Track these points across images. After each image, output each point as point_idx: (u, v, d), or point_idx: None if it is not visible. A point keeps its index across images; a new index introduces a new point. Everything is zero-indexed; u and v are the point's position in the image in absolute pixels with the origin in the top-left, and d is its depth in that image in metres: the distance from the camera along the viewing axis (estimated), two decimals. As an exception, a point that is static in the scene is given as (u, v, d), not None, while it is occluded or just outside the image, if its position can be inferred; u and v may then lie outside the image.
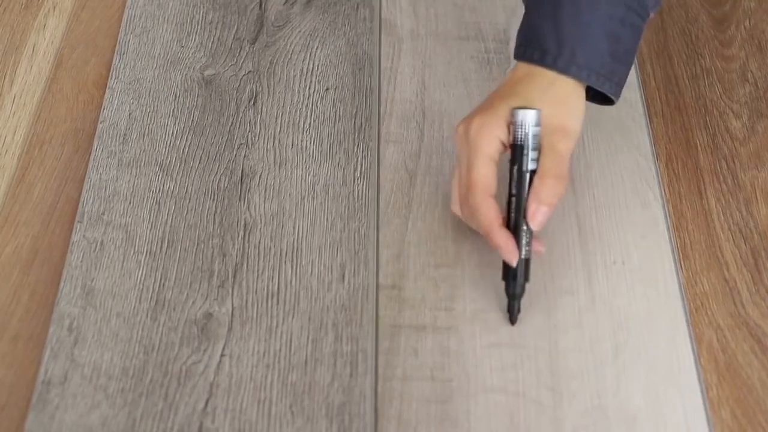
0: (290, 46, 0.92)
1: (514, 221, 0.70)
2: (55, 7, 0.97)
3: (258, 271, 0.75)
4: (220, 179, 0.81)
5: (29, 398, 0.68)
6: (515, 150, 0.69)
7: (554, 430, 0.67)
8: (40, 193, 0.81)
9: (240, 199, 0.79)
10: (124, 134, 0.84)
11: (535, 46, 0.71)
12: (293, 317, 0.72)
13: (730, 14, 0.96)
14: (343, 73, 0.89)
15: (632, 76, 0.89)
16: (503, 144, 0.70)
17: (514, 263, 0.70)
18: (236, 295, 0.73)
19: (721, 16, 0.96)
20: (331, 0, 0.95)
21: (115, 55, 0.91)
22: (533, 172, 0.69)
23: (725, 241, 0.78)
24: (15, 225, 0.79)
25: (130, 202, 0.79)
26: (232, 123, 0.85)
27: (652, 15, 0.72)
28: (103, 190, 0.80)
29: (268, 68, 0.89)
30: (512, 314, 0.72)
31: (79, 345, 0.70)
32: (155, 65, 0.90)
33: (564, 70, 0.70)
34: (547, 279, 0.75)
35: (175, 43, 0.92)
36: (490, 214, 0.69)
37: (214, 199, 0.79)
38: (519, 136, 0.69)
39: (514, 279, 0.70)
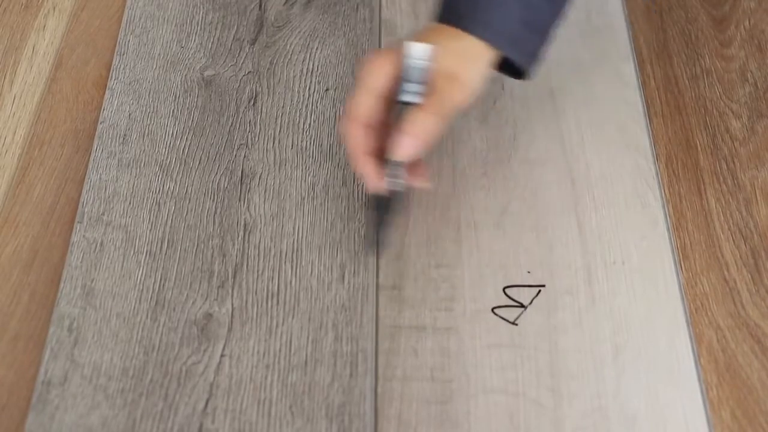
0: (290, 46, 0.92)
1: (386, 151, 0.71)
2: (55, 8, 0.97)
3: (258, 271, 0.75)
4: (220, 180, 0.81)
5: (29, 398, 0.68)
6: (401, 81, 0.70)
7: (554, 431, 0.67)
8: (40, 194, 0.81)
9: (240, 200, 0.79)
10: (124, 135, 0.84)
11: (451, 9, 0.72)
12: (293, 317, 0.72)
13: (729, 14, 0.96)
14: (343, 73, 0.89)
15: (632, 76, 0.89)
16: (394, 81, 0.70)
17: (373, 190, 0.71)
18: (236, 295, 0.73)
19: (721, 16, 0.96)
20: (331, 0, 0.95)
21: (115, 55, 0.91)
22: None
23: (725, 242, 0.78)
24: (15, 225, 0.79)
25: (130, 203, 0.79)
26: (231, 123, 0.85)
27: None
28: (103, 190, 0.80)
29: (268, 69, 0.89)
30: (369, 242, 0.74)
31: (79, 345, 0.70)
32: (155, 66, 0.90)
33: (475, 32, 0.71)
34: (547, 279, 0.75)
35: (175, 43, 0.92)
36: (355, 141, 0.70)
37: (214, 200, 0.79)
38: (404, 68, 0.69)
39: (377, 209, 0.72)
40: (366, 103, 0.70)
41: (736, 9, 0.97)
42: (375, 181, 0.70)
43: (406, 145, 0.68)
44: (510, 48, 0.72)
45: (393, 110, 0.70)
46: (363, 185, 0.80)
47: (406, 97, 0.69)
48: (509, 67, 0.74)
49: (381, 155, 0.70)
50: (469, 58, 0.71)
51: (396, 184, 0.70)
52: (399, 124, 0.68)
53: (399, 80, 0.69)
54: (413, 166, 0.72)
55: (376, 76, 0.70)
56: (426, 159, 0.82)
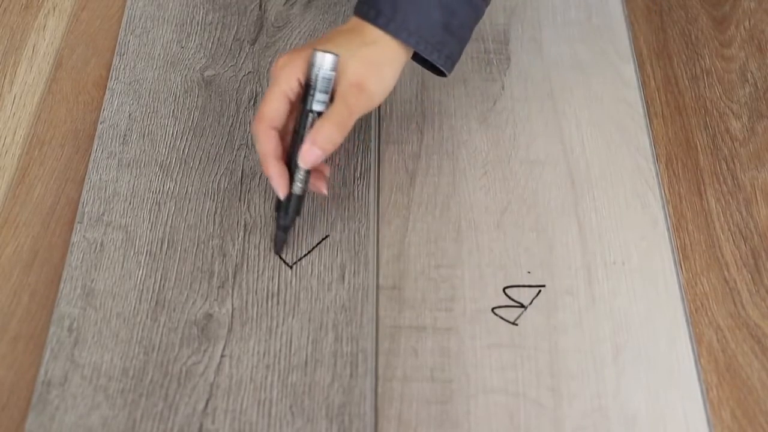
0: (290, 46, 0.91)
1: (291, 156, 0.72)
2: (55, 8, 0.97)
3: (258, 271, 0.75)
4: (220, 180, 0.81)
5: (29, 399, 0.68)
6: (305, 88, 0.71)
7: (554, 431, 0.67)
8: (40, 194, 0.81)
9: (240, 200, 0.79)
10: (124, 135, 0.84)
11: (372, 5, 0.72)
12: (293, 318, 0.72)
13: (730, 14, 0.96)
14: (343, 73, 0.89)
15: (632, 77, 0.89)
16: (302, 86, 0.71)
17: (281, 195, 0.72)
18: (236, 295, 0.73)
19: (721, 16, 0.96)
20: (331, 0, 0.95)
21: (115, 55, 0.91)
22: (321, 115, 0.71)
23: (725, 242, 0.78)
24: (15, 225, 0.79)
25: (130, 203, 0.79)
26: (232, 124, 0.85)
27: None
28: (103, 190, 0.80)
29: (268, 69, 0.89)
30: (277, 244, 0.75)
31: (79, 346, 0.70)
32: (155, 66, 0.90)
33: (394, 34, 0.71)
34: (547, 279, 0.75)
35: (175, 43, 0.92)
36: (267, 144, 0.71)
37: (214, 200, 0.79)
38: (311, 76, 0.70)
39: (285, 212, 0.73)
40: (277, 107, 0.71)
41: (736, 9, 0.97)
42: (284, 186, 0.71)
43: (311, 155, 0.70)
44: (435, 54, 0.73)
45: (297, 115, 0.72)
46: (362, 185, 0.80)
47: (313, 106, 0.71)
48: (425, 62, 0.76)
49: (286, 159, 0.72)
50: (378, 66, 0.72)
51: (302, 189, 0.72)
52: (305, 132, 0.71)
53: (306, 86, 0.71)
54: (315, 171, 0.74)
55: (287, 80, 0.71)
56: (426, 159, 0.82)
